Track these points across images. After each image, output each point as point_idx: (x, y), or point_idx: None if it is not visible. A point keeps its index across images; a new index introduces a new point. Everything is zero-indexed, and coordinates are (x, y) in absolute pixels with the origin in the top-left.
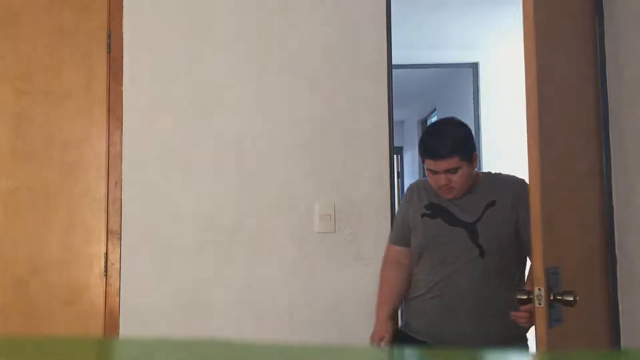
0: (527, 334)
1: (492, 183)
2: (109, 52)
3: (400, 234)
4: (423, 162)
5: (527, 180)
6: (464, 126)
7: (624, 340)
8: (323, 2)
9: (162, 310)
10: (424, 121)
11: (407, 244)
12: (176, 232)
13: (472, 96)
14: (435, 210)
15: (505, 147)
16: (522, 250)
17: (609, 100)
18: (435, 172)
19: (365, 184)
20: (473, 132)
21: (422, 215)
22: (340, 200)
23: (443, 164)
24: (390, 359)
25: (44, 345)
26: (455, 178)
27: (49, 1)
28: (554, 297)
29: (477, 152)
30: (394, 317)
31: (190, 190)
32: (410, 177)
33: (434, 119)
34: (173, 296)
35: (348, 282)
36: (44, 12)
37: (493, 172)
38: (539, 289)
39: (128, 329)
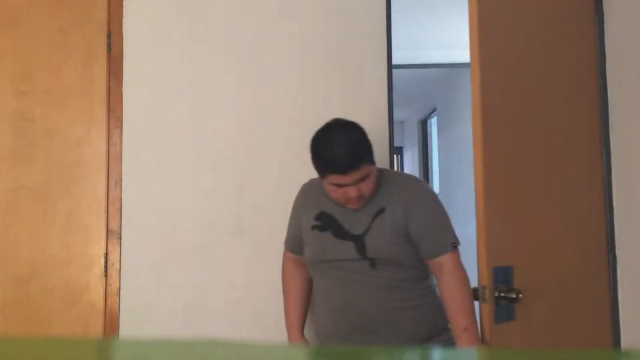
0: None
1: (386, 186)
2: (109, 52)
3: (295, 243)
4: (322, 178)
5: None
6: (356, 126)
7: (624, 340)
8: (323, 2)
9: (162, 310)
10: (424, 121)
11: (302, 253)
12: (176, 232)
13: None
14: (326, 222)
15: None
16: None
17: (609, 100)
18: (342, 186)
19: None
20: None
21: (313, 228)
22: None
23: (354, 176)
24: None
25: (44, 345)
26: (366, 186)
27: (49, 1)
28: (499, 295)
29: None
30: (302, 327)
31: (190, 190)
32: None
33: (434, 119)
34: (173, 296)
35: None
36: (44, 12)
37: (389, 171)
38: (483, 287)
39: (128, 329)
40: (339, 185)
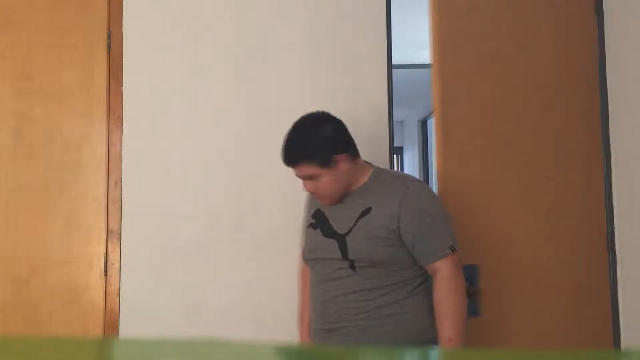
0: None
1: (378, 186)
2: (109, 52)
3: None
4: None
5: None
6: (321, 125)
7: (624, 340)
8: (323, 2)
9: (162, 310)
10: (424, 121)
11: None
12: (176, 232)
13: None
14: (318, 220)
15: None
16: (413, 258)
17: (609, 100)
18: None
19: None
20: None
21: (308, 225)
22: None
23: (297, 171)
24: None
25: (44, 345)
26: (319, 185)
27: (49, 1)
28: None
29: (346, 153)
30: None
31: (190, 190)
32: None
33: (434, 119)
34: (173, 296)
35: None
36: (43, 12)
37: (385, 171)
38: None
39: (128, 329)
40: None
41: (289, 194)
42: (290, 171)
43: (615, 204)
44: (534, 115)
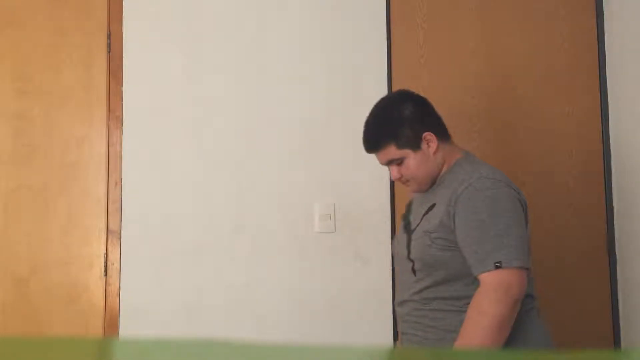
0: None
1: (450, 177)
2: (109, 52)
3: None
4: None
5: (490, 176)
6: (402, 102)
7: (624, 340)
8: (323, 2)
9: (162, 310)
10: None
11: None
12: (176, 232)
13: None
14: (406, 211)
15: None
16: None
17: (609, 100)
18: (387, 164)
19: (365, 184)
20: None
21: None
22: (340, 200)
23: (380, 157)
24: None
25: (44, 345)
26: (404, 170)
27: (49, 1)
28: None
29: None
30: None
31: (190, 190)
32: None
33: None
34: (173, 296)
35: (348, 282)
36: (43, 12)
37: (466, 159)
38: None
39: (128, 329)
40: (384, 164)
41: (288, 195)
42: (290, 171)
43: (615, 204)
44: (534, 115)
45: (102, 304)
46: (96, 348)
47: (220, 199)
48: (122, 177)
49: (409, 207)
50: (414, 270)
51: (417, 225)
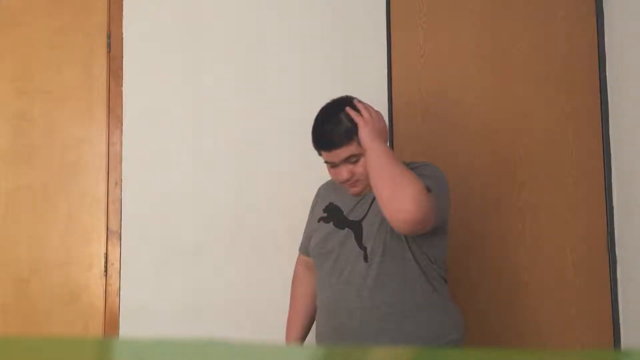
0: (450, 335)
1: None
2: (109, 52)
3: (304, 241)
4: (319, 155)
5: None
6: (355, 103)
7: (624, 340)
8: (323, 2)
9: (162, 310)
10: None
11: None
12: (176, 232)
13: None
14: (331, 213)
15: None
16: (434, 250)
17: (609, 100)
18: (334, 165)
19: None
20: None
21: (319, 220)
22: None
23: (340, 153)
24: None
25: (44, 345)
26: (358, 169)
27: (49, 1)
28: None
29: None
30: (303, 338)
31: (190, 190)
32: None
33: None
34: (173, 296)
35: None
36: (43, 12)
37: (407, 161)
38: None
39: (128, 329)
40: (331, 165)
41: (288, 194)
42: (290, 171)
43: (615, 204)
44: (534, 115)
45: (102, 304)
46: (96, 348)
47: (220, 199)
48: (122, 177)
49: (332, 208)
50: (365, 259)
51: (367, 212)
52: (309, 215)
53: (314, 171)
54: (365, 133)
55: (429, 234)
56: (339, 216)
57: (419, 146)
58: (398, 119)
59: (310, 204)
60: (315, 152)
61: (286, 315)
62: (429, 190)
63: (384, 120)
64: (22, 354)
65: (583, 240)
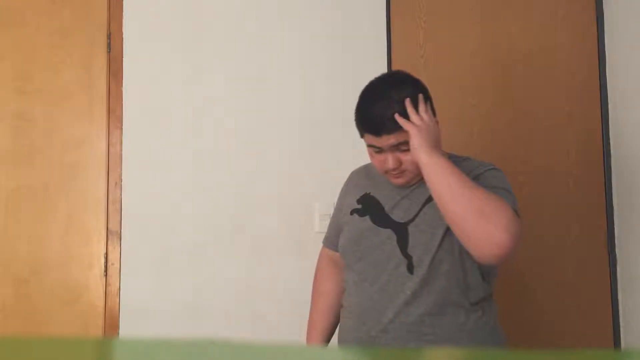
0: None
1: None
2: (109, 52)
3: (332, 235)
4: (362, 137)
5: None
6: (416, 84)
7: (624, 340)
8: (323, 2)
9: (162, 310)
10: None
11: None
12: (176, 232)
13: None
14: (367, 205)
15: None
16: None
17: (609, 100)
18: (379, 151)
19: None
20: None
21: (352, 212)
22: None
23: (390, 139)
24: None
25: (44, 345)
26: (407, 158)
27: (49, 1)
28: None
29: (437, 118)
30: (327, 339)
31: (190, 190)
32: None
33: None
34: (173, 296)
35: None
36: (44, 12)
37: (459, 156)
38: None
39: (128, 329)
40: (376, 150)
41: (288, 194)
42: (290, 171)
43: (615, 204)
44: (534, 115)
45: (102, 304)
46: (96, 348)
47: (220, 199)
48: (122, 177)
49: (368, 199)
50: (410, 269)
51: (415, 215)
52: (338, 202)
53: (314, 171)
54: (418, 142)
55: None
56: (377, 211)
57: None
58: None
59: (310, 203)
60: (314, 153)
61: (287, 315)
62: (515, 212)
63: (439, 129)
64: (22, 354)
65: (583, 240)
